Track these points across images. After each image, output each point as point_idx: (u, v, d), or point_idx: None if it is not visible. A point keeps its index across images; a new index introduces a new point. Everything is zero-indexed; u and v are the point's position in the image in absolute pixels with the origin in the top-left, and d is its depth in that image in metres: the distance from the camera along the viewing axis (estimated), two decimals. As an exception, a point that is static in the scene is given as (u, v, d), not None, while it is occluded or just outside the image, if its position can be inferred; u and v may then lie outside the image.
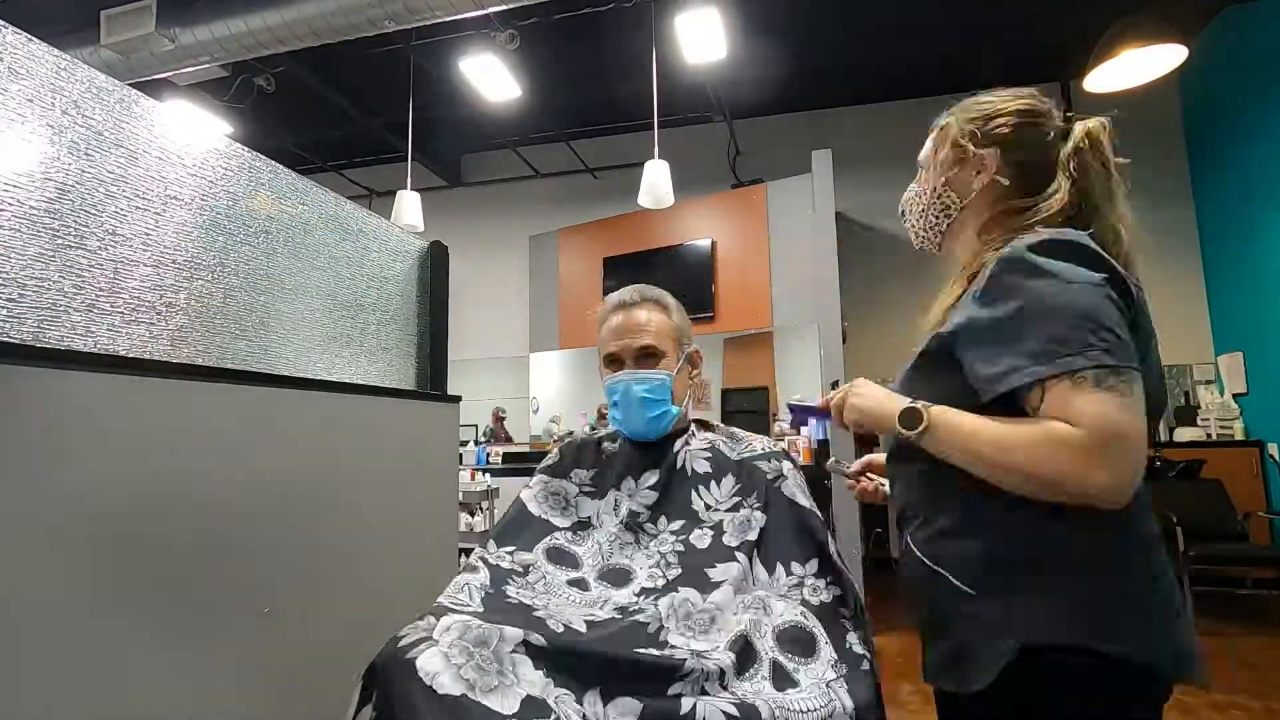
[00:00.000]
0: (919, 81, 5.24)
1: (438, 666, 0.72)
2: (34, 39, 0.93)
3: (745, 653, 0.84)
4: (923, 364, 0.83)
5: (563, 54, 4.73)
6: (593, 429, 1.28)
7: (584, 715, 0.74)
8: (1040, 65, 4.94)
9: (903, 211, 0.98)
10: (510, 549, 1.02)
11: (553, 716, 0.72)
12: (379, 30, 3.53)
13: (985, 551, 0.76)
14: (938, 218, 0.91)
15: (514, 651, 0.77)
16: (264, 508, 1.16)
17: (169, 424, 1.01)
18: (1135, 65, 2.98)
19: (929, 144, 0.93)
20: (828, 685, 0.83)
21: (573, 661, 0.78)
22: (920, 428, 0.78)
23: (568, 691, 0.76)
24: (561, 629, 0.83)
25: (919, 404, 0.79)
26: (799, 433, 3.94)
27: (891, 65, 5.07)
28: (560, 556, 1.03)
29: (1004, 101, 0.87)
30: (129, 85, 1.06)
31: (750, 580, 0.95)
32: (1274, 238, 4.00)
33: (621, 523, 1.05)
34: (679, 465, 1.10)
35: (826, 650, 0.86)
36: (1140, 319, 0.75)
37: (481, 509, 3.77)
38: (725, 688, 0.79)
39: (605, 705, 0.75)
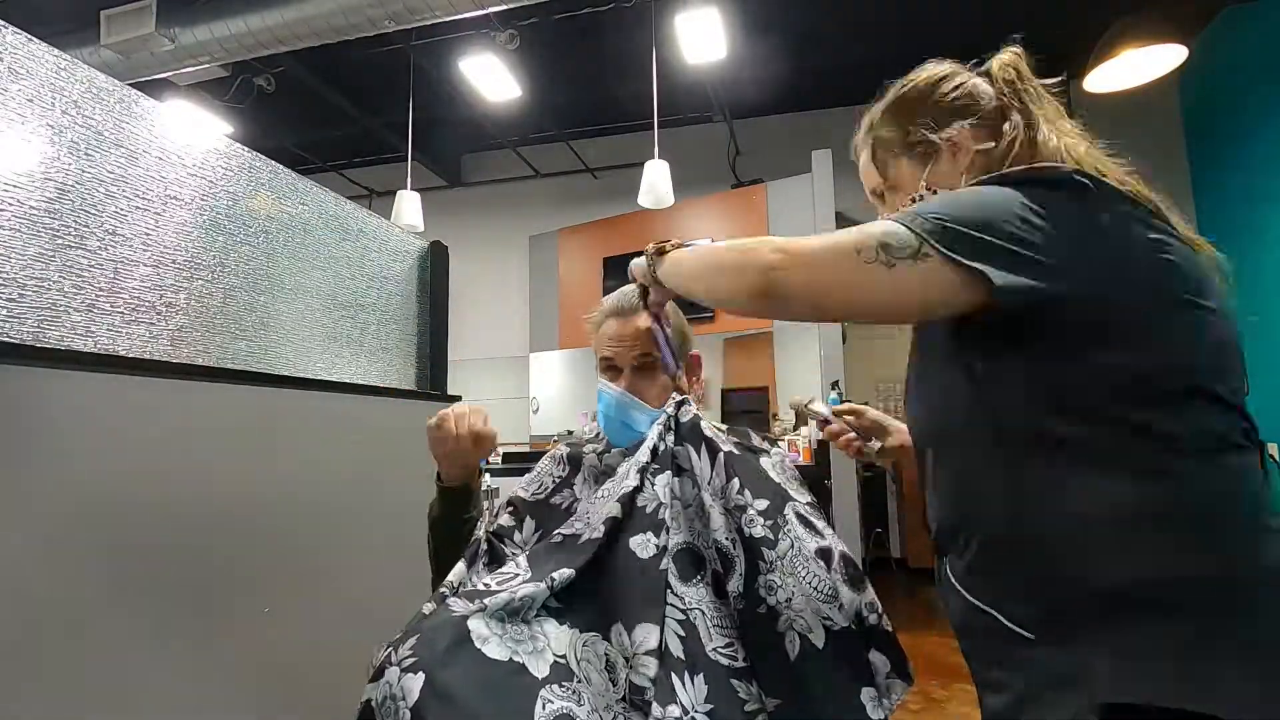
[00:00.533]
0: (919, 81, 5.24)
1: (485, 631, 0.76)
2: (34, 39, 0.93)
3: (695, 561, 0.91)
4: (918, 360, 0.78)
5: (563, 54, 4.73)
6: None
7: (607, 658, 0.80)
8: (1040, 65, 4.92)
9: None
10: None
11: (575, 679, 0.76)
12: (379, 30, 3.53)
13: (1043, 583, 0.60)
14: None
15: (538, 616, 0.82)
16: (264, 507, 1.16)
17: (169, 424, 1.01)
18: (1135, 65, 2.98)
19: (872, 169, 0.87)
20: (736, 612, 0.87)
21: (590, 607, 0.84)
22: (664, 250, 0.85)
23: (595, 633, 0.82)
24: (578, 557, 0.88)
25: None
26: (798, 432, 3.94)
27: (891, 65, 5.03)
28: (550, 515, 1.05)
29: (920, 80, 0.83)
30: (129, 85, 1.06)
31: (705, 480, 0.97)
32: (1274, 237, 4.00)
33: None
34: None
35: (736, 581, 0.88)
36: (1153, 245, 0.62)
37: (481, 508, 3.76)
38: (675, 593, 0.86)
39: (630, 634, 0.82)
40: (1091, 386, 0.60)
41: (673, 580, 0.88)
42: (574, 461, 1.13)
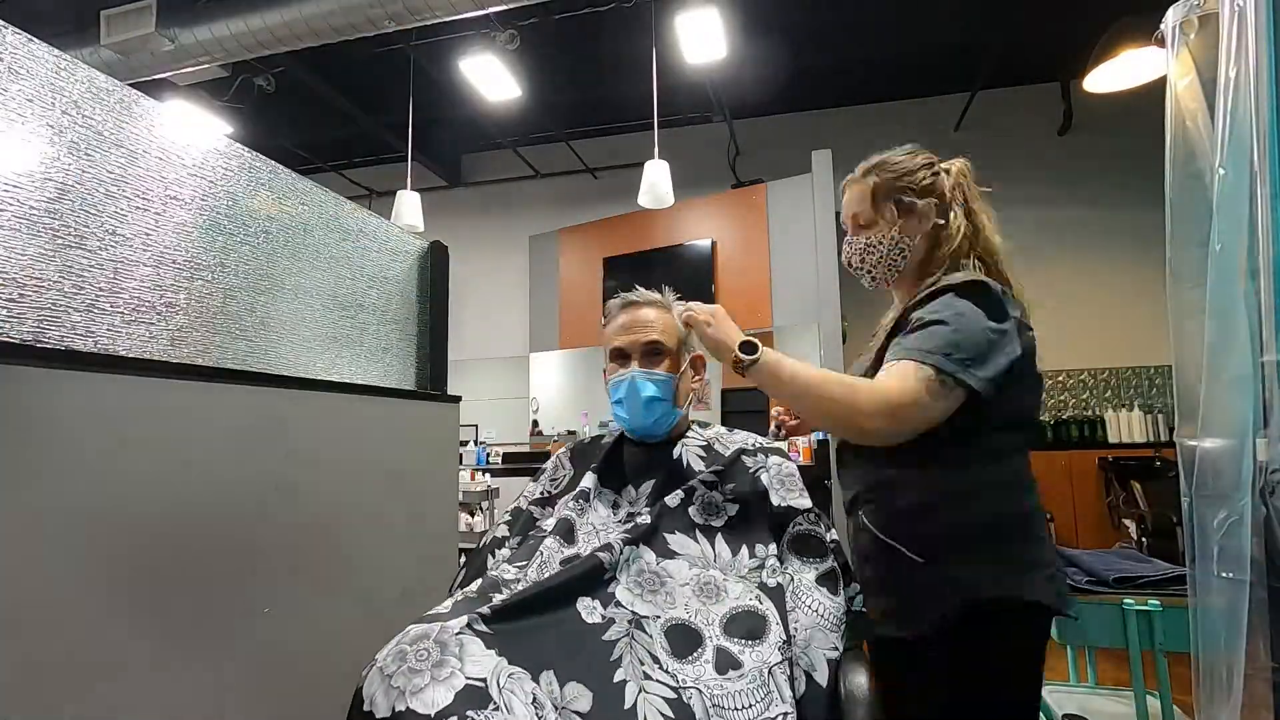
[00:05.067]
0: (919, 81, 5.24)
1: (374, 685, 0.71)
2: (34, 39, 0.93)
3: (688, 638, 0.86)
4: (879, 363, 0.99)
5: (563, 54, 4.73)
6: (603, 425, 1.27)
7: (534, 696, 0.73)
8: (1040, 65, 4.93)
9: (852, 263, 1.13)
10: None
11: (490, 706, 0.69)
12: (379, 30, 3.53)
13: (932, 530, 0.95)
14: (896, 261, 1.08)
15: (460, 634, 0.75)
16: (264, 508, 1.16)
17: (169, 424, 1.01)
18: (1135, 65, 2.98)
19: (859, 201, 1.10)
20: (770, 671, 0.82)
21: (517, 637, 0.78)
22: (754, 356, 0.95)
23: (523, 670, 0.75)
24: (515, 588, 0.87)
25: (756, 340, 0.97)
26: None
27: (891, 65, 5.07)
28: (565, 531, 1.03)
29: (910, 158, 1.08)
30: (129, 85, 1.06)
31: (709, 560, 0.98)
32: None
33: (620, 522, 1.06)
34: (677, 459, 1.11)
35: (776, 631, 0.87)
36: (1025, 344, 0.95)
37: (481, 509, 3.77)
38: (665, 669, 0.81)
39: (562, 687, 0.75)
40: (981, 421, 0.93)
41: (662, 655, 0.83)
42: (580, 457, 1.16)
